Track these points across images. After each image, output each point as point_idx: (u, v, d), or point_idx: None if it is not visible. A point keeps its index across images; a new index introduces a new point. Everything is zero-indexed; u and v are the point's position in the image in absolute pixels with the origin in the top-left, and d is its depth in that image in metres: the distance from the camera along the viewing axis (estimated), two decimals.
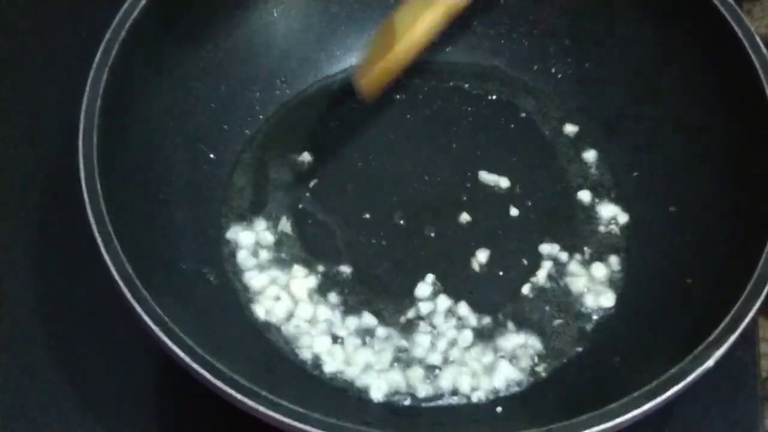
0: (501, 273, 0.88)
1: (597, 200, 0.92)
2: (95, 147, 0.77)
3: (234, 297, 0.86)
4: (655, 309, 0.84)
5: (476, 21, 0.99)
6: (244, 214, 0.91)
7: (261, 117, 0.96)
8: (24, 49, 1.05)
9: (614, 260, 0.89)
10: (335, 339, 0.84)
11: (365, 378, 0.82)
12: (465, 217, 0.91)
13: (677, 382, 0.69)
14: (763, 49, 0.82)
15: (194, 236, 0.87)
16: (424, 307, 0.86)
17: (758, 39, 0.82)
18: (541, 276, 0.88)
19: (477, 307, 0.86)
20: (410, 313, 0.86)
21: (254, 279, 0.87)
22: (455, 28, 0.99)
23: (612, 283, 0.88)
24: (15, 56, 1.05)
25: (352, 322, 0.85)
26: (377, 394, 0.81)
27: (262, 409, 0.68)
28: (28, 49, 1.05)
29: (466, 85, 1.00)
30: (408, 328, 0.85)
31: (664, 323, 0.81)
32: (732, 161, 0.84)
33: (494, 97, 0.99)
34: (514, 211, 0.92)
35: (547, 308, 0.86)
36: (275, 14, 0.96)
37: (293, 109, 0.97)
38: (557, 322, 0.86)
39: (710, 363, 0.70)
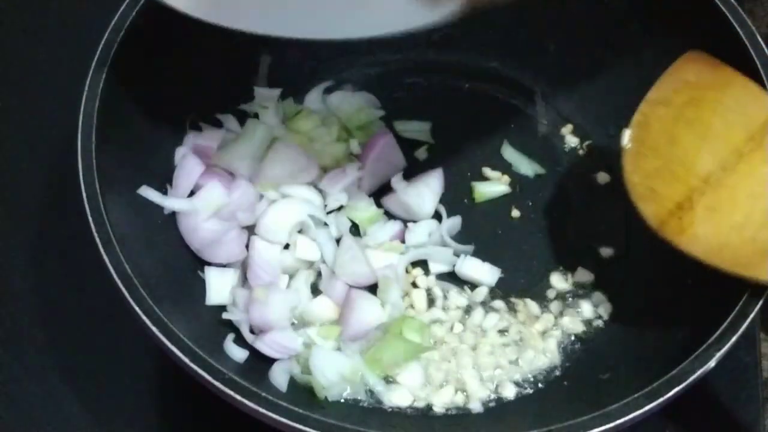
0: (501, 275, 0.88)
1: (597, 199, 0.92)
2: (94, 147, 0.77)
3: None
4: (656, 309, 0.83)
5: (476, 21, 0.99)
6: None
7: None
8: (24, 49, 1.05)
9: (614, 261, 0.89)
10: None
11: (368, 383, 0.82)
12: (465, 218, 0.91)
13: (678, 383, 0.69)
14: (765, 49, 0.82)
15: None
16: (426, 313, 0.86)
17: (760, 39, 0.82)
18: (541, 277, 0.88)
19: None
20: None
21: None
22: (455, 28, 0.99)
23: (611, 284, 0.87)
24: (15, 56, 1.05)
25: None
26: (389, 401, 0.81)
27: (261, 409, 0.68)
28: (28, 49, 1.05)
29: (467, 85, 0.99)
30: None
31: (664, 324, 0.81)
32: None
33: (494, 96, 0.99)
34: (515, 212, 0.92)
35: (547, 309, 0.86)
36: None
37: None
38: (559, 323, 0.86)
39: (711, 364, 0.70)
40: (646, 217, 0.77)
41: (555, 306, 0.87)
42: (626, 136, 0.79)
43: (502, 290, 0.87)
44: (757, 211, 0.75)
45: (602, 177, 0.93)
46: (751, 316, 0.72)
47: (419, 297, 0.86)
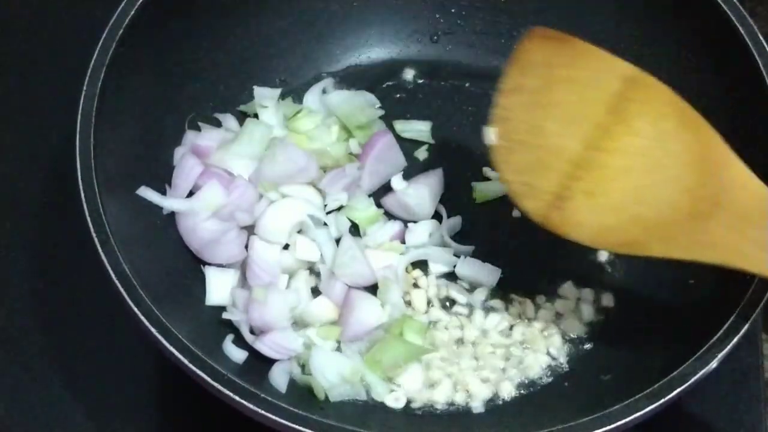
0: (502, 275, 0.88)
1: None
2: (92, 147, 0.77)
3: None
4: (657, 310, 0.83)
5: (476, 21, 0.99)
6: None
7: None
8: (23, 48, 1.05)
9: (613, 260, 0.89)
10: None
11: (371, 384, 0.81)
12: (465, 218, 0.91)
13: (680, 384, 0.69)
14: (767, 48, 0.81)
15: None
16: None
17: (761, 38, 0.82)
18: (542, 277, 0.88)
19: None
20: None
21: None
22: (456, 28, 0.99)
23: (612, 284, 0.87)
24: (14, 56, 1.05)
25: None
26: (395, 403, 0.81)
27: (260, 410, 0.68)
28: (28, 48, 1.05)
29: (467, 85, 0.99)
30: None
31: (666, 324, 0.81)
32: None
33: (495, 96, 0.98)
34: (516, 212, 0.91)
35: (548, 310, 0.86)
36: (274, 13, 0.95)
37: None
38: (560, 324, 0.85)
39: (713, 365, 0.70)
40: (528, 214, 0.74)
41: (556, 307, 0.86)
42: (490, 134, 0.76)
43: (503, 290, 0.87)
44: (631, 186, 0.72)
45: None
46: (753, 316, 0.71)
47: (419, 298, 0.86)
